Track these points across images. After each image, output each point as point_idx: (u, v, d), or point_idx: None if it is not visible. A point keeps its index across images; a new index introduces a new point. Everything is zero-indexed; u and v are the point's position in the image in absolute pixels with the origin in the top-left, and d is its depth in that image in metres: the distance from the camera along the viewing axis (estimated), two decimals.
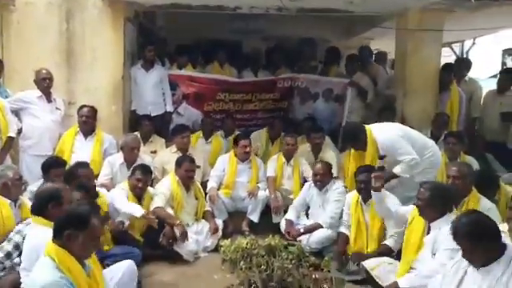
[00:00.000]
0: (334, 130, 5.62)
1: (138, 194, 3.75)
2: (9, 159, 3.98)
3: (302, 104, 5.73)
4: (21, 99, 4.25)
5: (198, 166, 4.42)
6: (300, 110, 5.72)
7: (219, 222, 4.14)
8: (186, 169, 3.98)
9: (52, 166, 3.55)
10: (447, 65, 5.46)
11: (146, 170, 3.79)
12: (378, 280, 3.03)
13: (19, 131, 4.21)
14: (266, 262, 3.10)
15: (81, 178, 3.29)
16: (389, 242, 3.30)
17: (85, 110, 4.33)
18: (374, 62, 6.29)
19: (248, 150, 4.48)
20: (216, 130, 5.28)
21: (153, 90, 5.04)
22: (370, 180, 3.25)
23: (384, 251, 3.30)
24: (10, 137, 3.89)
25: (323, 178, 3.94)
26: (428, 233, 2.88)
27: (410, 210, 3.10)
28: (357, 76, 5.62)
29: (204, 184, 4.46)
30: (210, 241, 3.94)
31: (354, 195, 3.60)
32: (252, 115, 5.65)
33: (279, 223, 4.14)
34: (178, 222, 3.72)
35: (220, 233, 4.05)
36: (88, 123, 4.32)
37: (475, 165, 4.04)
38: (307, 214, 4.18)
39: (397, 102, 5.36)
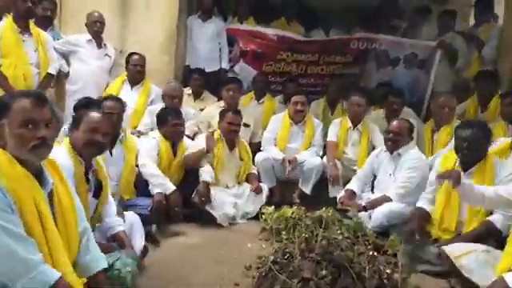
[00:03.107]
0: (416, 103, 4.68)
1: (176, 141, 3.27)
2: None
3: (378, 70, 4.86)
4: (69, 41, 4.09)
5: (248, 125, 3.89)
6: (374, 77, 4.84)
7: (264, 187, 3.54)
8: (229, 121, 3.42)
9: (84, 107, 3.23)
10: None
11: (178, 112, 3.34)
12: (464, 272, 2.18)
13: (66, 75, 4.08)
14: (311, 232, 2.41)
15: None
16: (494, 218, 2.38)
17: (135, 57, 4.08)
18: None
19: (300, 107, 3.85)
20: (275, 94, 4.68)
21: (209, 42, 4.62)
22: (477, 138, 2.45)
23: (484, 231, 2.39)
24: (49, 73, 3.66)
25: (397, 138, 3.12)
26: None
27: None
28: (448, 36, 4.60)
29: (253, 145, 3.90)
30: (252, 207, 3.36)
31: (445, 156, 2.72)
32: (317, 80, 4.89)
33: (336, 198, 3.39)
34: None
35: (264, 199, 3.44)
36: (140, 72, 4.07)
37: None
38: (373, 189, 3.37)
39: (502, 70, 4.26)
